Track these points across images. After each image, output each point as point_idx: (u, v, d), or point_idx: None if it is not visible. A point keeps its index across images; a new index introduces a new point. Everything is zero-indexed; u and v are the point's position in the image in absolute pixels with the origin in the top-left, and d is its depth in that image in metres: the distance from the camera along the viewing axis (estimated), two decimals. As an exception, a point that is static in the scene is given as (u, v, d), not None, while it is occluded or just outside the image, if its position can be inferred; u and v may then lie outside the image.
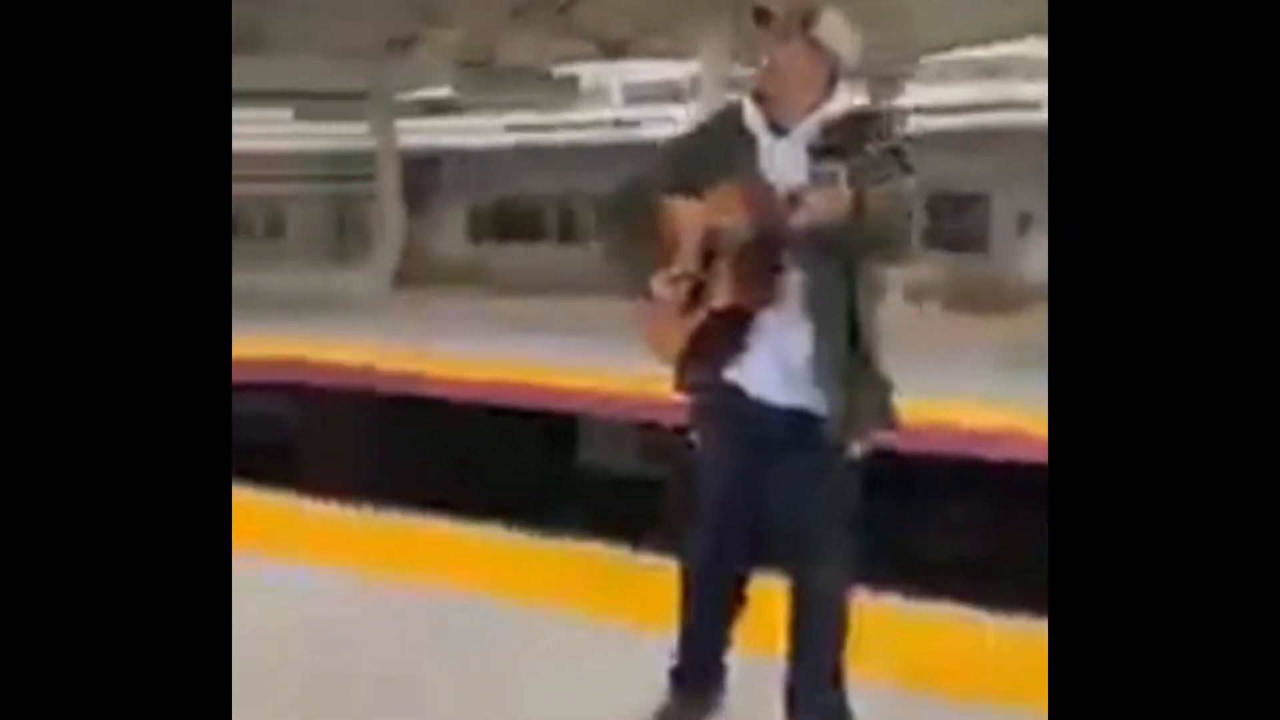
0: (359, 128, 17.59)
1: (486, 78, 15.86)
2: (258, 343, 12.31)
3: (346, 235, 18.61)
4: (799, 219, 2.81)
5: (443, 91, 18.23)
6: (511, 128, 19.16)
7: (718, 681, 3.26)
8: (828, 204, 2.74)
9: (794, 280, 2.98)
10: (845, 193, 2.72)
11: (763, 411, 3.05)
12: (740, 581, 3.23)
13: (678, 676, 3.27)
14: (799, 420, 3.01)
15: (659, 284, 3.14)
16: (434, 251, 17.20)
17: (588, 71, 17.09)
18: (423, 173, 17.78)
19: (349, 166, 18.42)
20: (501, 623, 4.41)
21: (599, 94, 18.12)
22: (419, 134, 18.57)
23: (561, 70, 16.37)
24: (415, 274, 15.98)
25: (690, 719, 3.25)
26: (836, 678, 3.10)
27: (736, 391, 3.07)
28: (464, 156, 19.50)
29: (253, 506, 6.72)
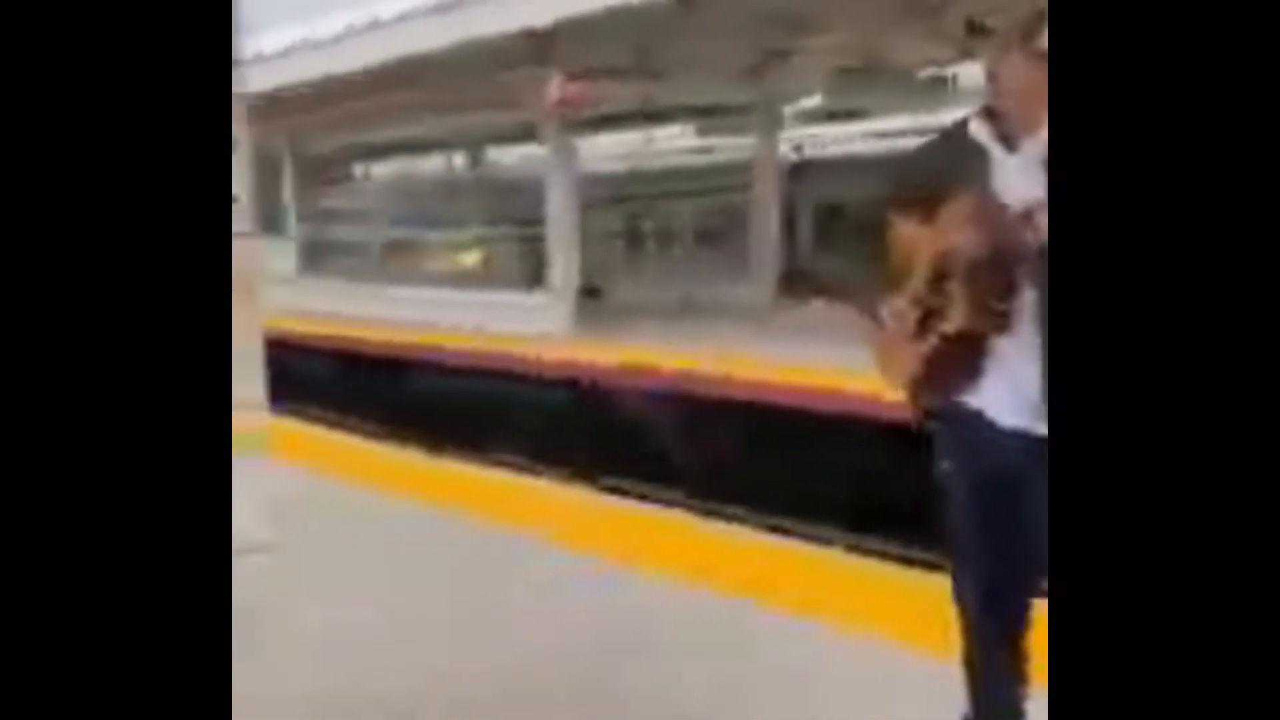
0: (743, 140, 17.98)
1: (856, 84, 15.86)
2: (647, 352, 12.87)
3: (728, 246, 19.02)
4: (1033, 237, 2.72)
5: (815, 101, 18.43)
6: (879, 134, 19.04)
7: None
8: None
9: (1029, 302, 2.89)
10: None
11: (1002, 438, 2.98)
12: (1017, 615, 3.16)
13: None
14: (1040, 447, 2.91)
15: (889, 313, 3.14)
16: (801, 260, 17.31)
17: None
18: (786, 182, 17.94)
19: (727, 178, 18.84)
20: (827, 645, 4.51)
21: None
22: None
23: (934, 72, 16.15)
24: (790, 283, 16.18)
25: None
26: None
27: (975, 418, 3.04)
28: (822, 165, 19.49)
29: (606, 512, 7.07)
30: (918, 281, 3.09)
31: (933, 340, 3.05)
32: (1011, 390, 2.95)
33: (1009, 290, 2.91)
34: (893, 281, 3.14)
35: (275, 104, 16.07)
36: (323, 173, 24.77)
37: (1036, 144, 2.83)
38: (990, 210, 2.90)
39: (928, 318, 3.07)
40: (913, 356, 3.11)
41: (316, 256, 22.49)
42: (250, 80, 6.88)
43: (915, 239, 3.09)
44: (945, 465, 3.18)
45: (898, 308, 3.12)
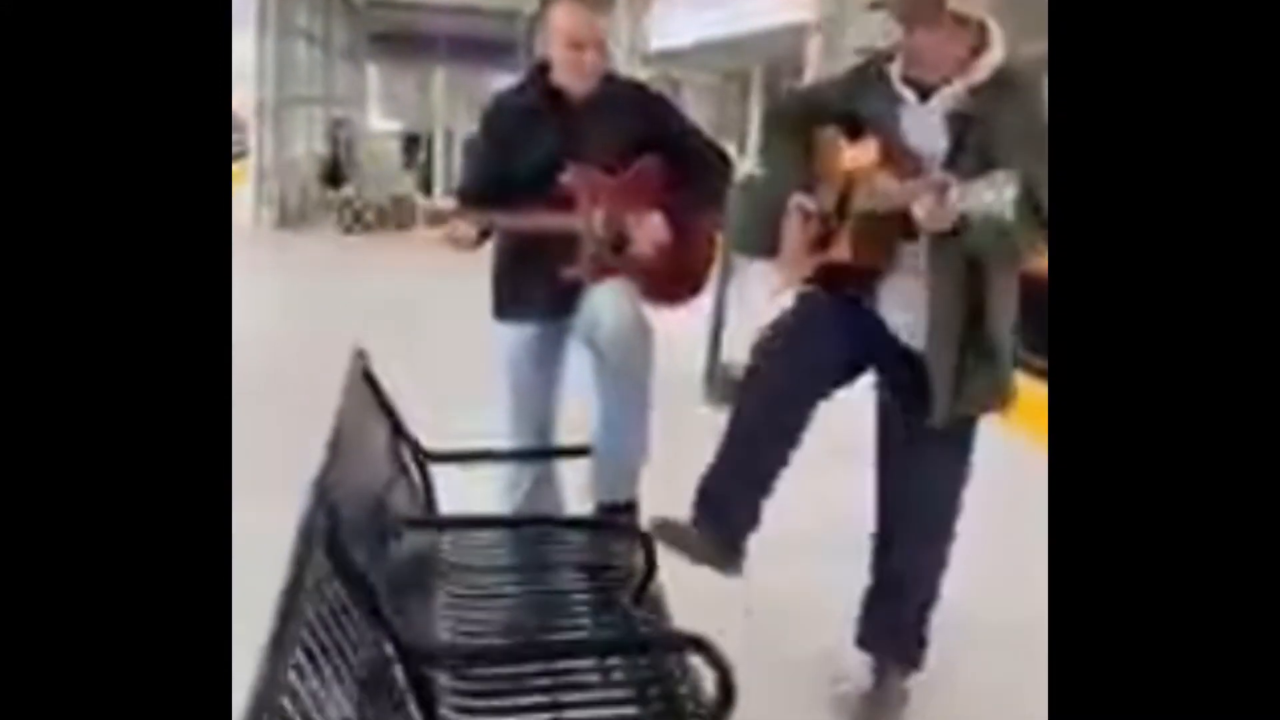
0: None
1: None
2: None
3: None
4: (932, 199, 2.82)
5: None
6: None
7: None
8: (930, 219, 2.83)
9: (915, 251, 3.05)
10: (950, 214, 2.77)
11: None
12: None
13: None
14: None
15: (795, 208, 3.29)
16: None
17: None
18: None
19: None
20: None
21: None
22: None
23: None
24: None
25: None
26: None
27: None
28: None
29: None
30: (826, 198, 3.20)
31: (821, 259, 3.21)
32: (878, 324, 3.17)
33: (896, 237, 3.04)
34: (806, 183, 3.28)
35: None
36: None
37: (944, 98, 2.97)
38: (898, 159, 3.01)
39: (826, 237, 3.21)
40: (805, 266, 3.26)
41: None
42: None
43: (835, 150, 3.20)
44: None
45: (805, 210, 3.26)
